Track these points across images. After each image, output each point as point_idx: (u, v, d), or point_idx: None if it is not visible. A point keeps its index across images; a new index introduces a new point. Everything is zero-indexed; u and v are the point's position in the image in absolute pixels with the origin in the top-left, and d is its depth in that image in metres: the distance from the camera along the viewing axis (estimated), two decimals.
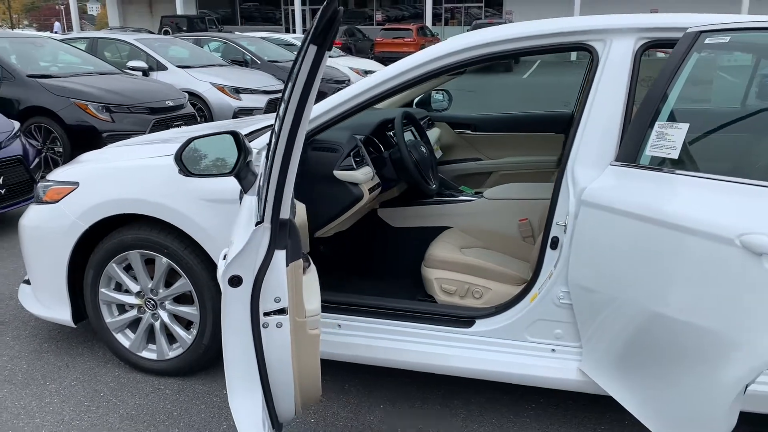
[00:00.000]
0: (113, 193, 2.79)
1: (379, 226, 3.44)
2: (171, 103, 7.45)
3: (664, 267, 1.95)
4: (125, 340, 2.99)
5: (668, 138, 2.09)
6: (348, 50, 23.77)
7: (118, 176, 2.83)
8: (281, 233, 1.57)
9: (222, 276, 1.54)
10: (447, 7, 30.74)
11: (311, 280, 1.97)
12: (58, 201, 2.93)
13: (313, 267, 2.11)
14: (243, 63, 11.72)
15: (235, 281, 1.54)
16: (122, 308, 2.99)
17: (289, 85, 1.45)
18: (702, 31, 2.15)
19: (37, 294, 3.09)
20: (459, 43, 2.53)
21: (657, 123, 2.16)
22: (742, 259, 1.72)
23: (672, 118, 2.13)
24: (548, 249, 2.45)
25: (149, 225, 2.81)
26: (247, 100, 9.33)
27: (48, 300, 3.04)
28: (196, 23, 25.61)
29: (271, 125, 2.74)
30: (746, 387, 1.80)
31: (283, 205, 1.55)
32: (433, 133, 3.99)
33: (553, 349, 2.53)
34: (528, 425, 2.64)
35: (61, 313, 3.02)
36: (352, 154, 2.78)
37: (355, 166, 2.76)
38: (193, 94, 9.17)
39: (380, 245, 3.43)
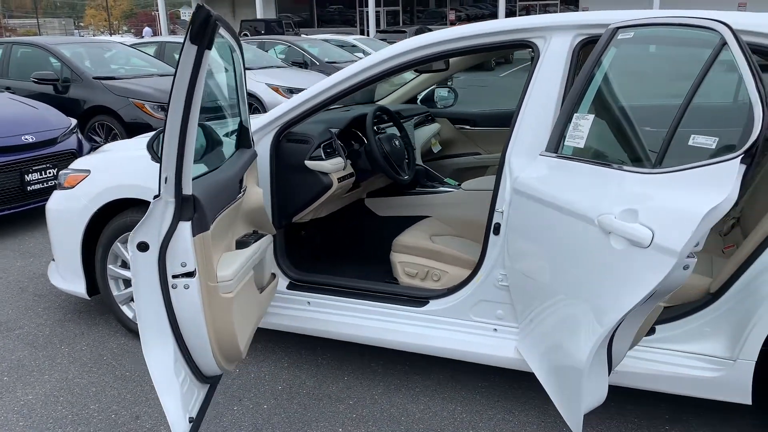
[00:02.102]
0: (114, 180, 3.15)
1: (365, 214, 3.67)
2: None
3: (556, 247, 2.10)
4: (129, 311, 3.35)
5: (580, 128, 2.23)
6: None
7: (119, 165, 3.19)
8: (185, 207, 1.83)
9: (129, 242, 1.82)
10: (522, 5, 30.43)
11: (247, 253, 2.22)
12: (73, 187, 3.33)
13: (257, 244, 2.37)
14: (303, 64, 12.17)
15: (143, 247, 1.81)
16: (127, 283, 3.35)
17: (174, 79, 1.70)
18: (617, 27, 2.27)
19: (59, 269, 3.50)
20: (411, 43, 2.73)
21: (575, 114, 2.29)
22: (599, 237, 1.85)
23: (589, 110, 2.26)
24: (491, 235, 2.62)
25: (146, 208, 3.15)
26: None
27: (67, 275, 3.45)
28: (274, 27, 26.51)
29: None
30: (610, 361, 1.92)
31: (184, 184, 1.81)
32: (432, 129, 4.18)
33: (495, 329, 2.69)
34: (476, 401, 2.80)
35: (78, 286, 3.41)
36: (322, 145, 3.02)
37: (324, 157, 3.00)
38: (249, 95, 9.67)
39: (364, 232, 3.65)
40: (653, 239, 1.65)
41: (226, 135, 2.69)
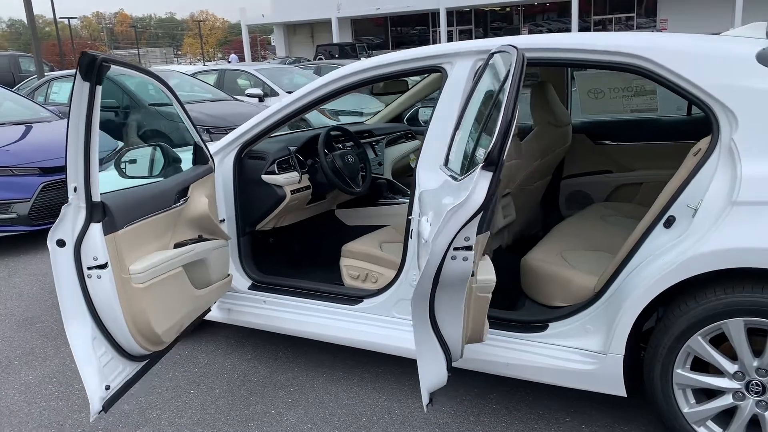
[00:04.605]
0: None
1: (334, 223, 4.03)
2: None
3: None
4: None
5: (454, 143, 2.51)
6: None
7: None
8: (95, 211, 2.25)
9: (49, 239, 2.25)
10: (596, 19, 30.00)
11: (169, 254, 2.62)
12: None
13: (188, 247, 2.77)
14: None
15: (61, 243, 2.24)
16: None
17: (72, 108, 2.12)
18: (493, 53, 2.54)
19: None
20: (343, 71, 3.09)
21: (457, 131, 2.58)
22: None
23: (461, 127, 2.54)
24: (409, 239, 2.92)
25: None
26: (346, 121, 10.22)
27: None
28: (347, 50, 27.43)
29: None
30: (444, 346, 2.19)
31: (93, 194, 2.23)
32: (410, 146, 4.50)
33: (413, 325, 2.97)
34: (401, 391, 3.08)
35: None
36: (277, 161, 3.41)
37: (277, 171, 3.39)
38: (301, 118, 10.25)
39: (331, 240, 4.00)
40: (430, 234, 1.93)
41: (179, 154, 3.14)
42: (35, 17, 16.07)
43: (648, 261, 2.39)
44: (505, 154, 1.80)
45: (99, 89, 2.13)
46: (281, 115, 3.25)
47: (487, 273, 2.18)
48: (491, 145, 1.79)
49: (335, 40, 32.53)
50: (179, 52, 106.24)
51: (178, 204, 2.80)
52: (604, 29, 30.26)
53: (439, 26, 31.10)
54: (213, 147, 3.42)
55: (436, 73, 2.94)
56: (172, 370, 3.40)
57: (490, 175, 1.80)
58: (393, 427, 2.81)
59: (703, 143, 2.41)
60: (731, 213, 2.19)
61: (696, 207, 2.29)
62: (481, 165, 1.82)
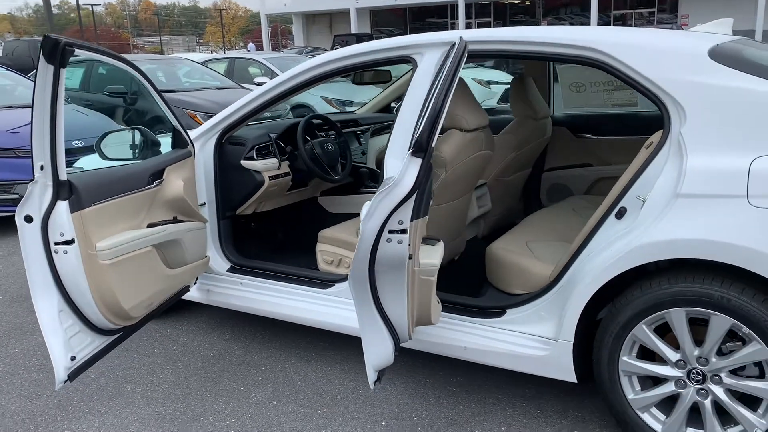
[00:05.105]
0: None
1: (317, 210, 4.12)
2: (268, 114, 8.61)
3: None
4: None
5: (416, 131, 2.58)
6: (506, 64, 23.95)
7: None
8: (62, 189, 2.35)
9: (17, 215, 2.36)
10: (617, 14, 29.70)
11: (137, 233, 2.72)
12: None
13: (159, 228, 2.87)
14: None
15: (28, 219, 2.35)
16: None
17: (36, 89, 2.22)
18: (455, 43, 2.59)
19: None
20: (319, 59, 3.17)
21: (419, 120, 2.64)
22: None
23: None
24: None
25: None
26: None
27: None
28: (364, 41, 27.43)
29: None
30: (390, 326, 2.27)
31: (59, 173, 2.33)
32: None
33: None
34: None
35: None
36: (256, 147, 3.50)
37: (256, 157, 3.48)
38: (305, 106, 10.35)
39: (311, 226, 4.09)
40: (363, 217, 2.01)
41: (159, 137, 3.24)
42: (61, 3, 16.29)
43: (598, 251, 2.45)
44: (434, 141, 1.86)
45: (63, 72, 2.22)
46: (259, 102, 3.35)
47: (430, 257, 2.25)
48: (419, 132, 1.86)
49: (353, 31, 32.54)
50: (201, 41, 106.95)
51: (151, 186, 2.90)
52: (624, 24, 29.97)
53: (457, 18, 30.95)
54: (195, 132, 3.53)
55: (406, 63, 3.00)
56: (151, 347, 3.52)
57: (419, 161, 1.87)
58: (355, 405, 2.90)
59: (656, 136, 2.46)
60: (675, 205, 2.24)
61: (644, 199, 2.34)
62: (410, 151, 1.89)
